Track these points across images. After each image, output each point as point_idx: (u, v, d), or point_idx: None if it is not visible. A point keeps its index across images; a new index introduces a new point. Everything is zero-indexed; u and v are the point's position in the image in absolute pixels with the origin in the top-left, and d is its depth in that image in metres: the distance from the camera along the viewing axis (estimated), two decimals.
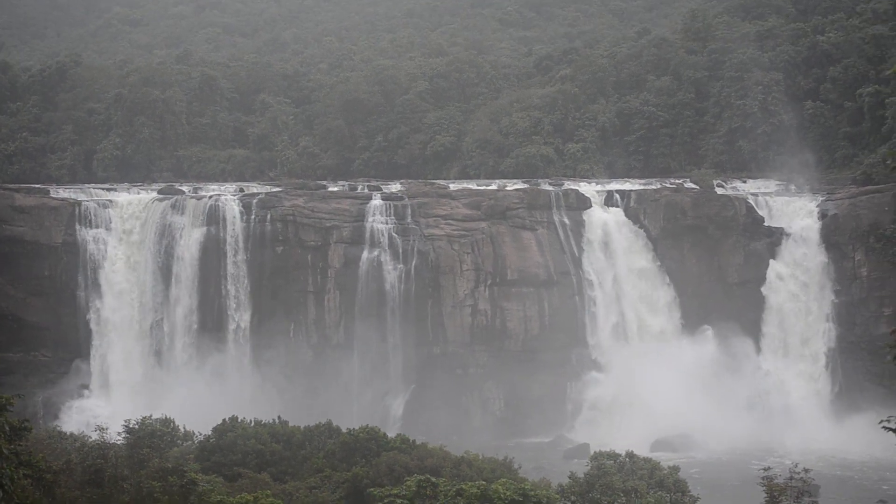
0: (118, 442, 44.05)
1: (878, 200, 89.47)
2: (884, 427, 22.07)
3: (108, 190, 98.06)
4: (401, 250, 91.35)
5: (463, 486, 37.19)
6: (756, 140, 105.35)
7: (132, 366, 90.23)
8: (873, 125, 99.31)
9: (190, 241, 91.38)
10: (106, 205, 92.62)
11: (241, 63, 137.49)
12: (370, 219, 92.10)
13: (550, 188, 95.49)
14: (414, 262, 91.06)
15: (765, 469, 39.32)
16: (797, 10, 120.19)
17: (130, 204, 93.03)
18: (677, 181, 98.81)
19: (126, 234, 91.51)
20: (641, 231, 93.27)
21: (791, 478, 37.78)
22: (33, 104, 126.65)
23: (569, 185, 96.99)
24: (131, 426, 48.85)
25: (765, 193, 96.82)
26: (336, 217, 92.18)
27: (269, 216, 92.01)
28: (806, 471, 38.31)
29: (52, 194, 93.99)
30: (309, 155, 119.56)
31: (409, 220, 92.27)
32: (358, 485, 46.05)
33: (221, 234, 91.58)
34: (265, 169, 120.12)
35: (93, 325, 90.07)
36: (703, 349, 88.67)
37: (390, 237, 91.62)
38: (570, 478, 47.89)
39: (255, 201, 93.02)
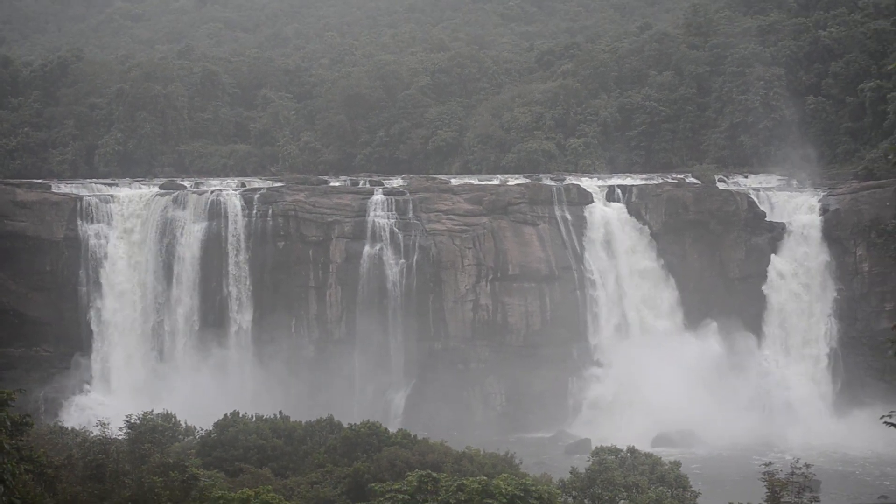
0: (119, 437, 44.04)
1: (880, 195, 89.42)
2: (885, 422, 22.07)
3: (110, 185, 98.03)
4: (402, 245, 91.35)
5: (464, 482, 37.16)
6: (758, 135, 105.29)
7: (134, 365, 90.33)
8: (875, 120, 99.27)
9: (191, 237, 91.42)
10: (107, 200, 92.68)
11: (242, 58, 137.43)
12: (372, 214, 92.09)
13: (552, 183, 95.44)
14: (415, 257, 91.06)
15: (766, 464, 39.33)
16: (799, 5, 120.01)
17: (131, 201, 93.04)
18: (679, 176, 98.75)
19: (127, 232, 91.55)
20: (645, 228, 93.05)
21: (792, 473, 37.76)
22: (35, 99, 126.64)
23: (570, 180, 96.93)
24: (132, 421, 48.86)
25: (766, 188, 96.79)
26: (337, 212, 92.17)
27: (270, 211, 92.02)
28: (807, 466, 38.28)
29: (54, 189, 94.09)
30: (310, 150, 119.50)
31: (410, 215, 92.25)
32: (359, 480, 46.10)
33: (223, 230, 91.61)
34: (267, 164, 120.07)
35: (94, 326, 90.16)
36: (705, 344, 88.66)
37: (392, 232, 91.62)
38: (571, 473, 47.87)
39: (256, 196, 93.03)
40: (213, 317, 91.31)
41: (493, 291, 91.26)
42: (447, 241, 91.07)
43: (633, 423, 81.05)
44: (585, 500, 45.47)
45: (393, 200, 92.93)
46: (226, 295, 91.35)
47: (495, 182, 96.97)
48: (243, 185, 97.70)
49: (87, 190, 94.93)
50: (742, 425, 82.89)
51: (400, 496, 36.65)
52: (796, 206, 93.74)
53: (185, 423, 57.19)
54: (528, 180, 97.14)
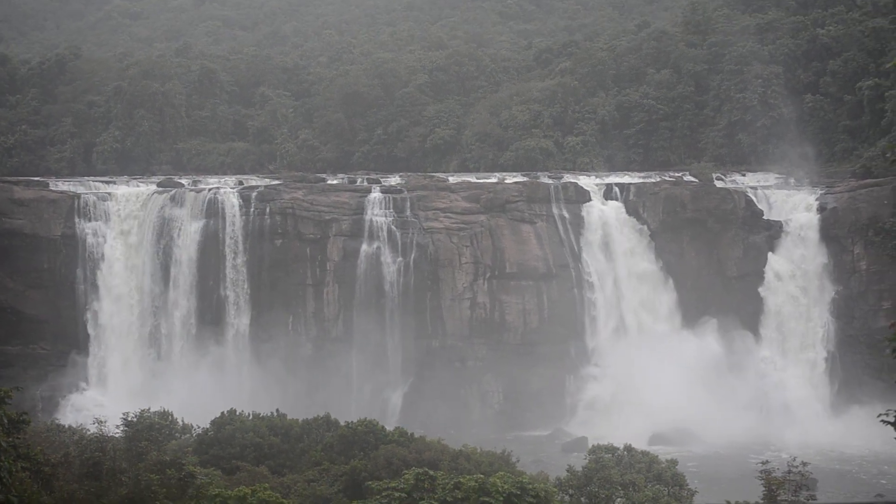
0: (116, 435, 44.06)
1: (878, 194, 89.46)
2: (882, 421, 22.04)
3: (108, 183, 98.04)
4: (400, 243, 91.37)
5: (461, 480, 37.16)
6: (755, 133, 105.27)
7: (131, 368, 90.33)
8: (873, 118, 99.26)
9: (189, 234, 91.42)
10: (105, 198, 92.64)
11: (240, 56, 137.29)
12: (369, 212, 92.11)
13: (549, 181, 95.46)
14: (413, 255, 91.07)
15: (763, 463, 39.38)
16: (797, 4, 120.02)
17: (129, 199, 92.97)
18: (677, 174, 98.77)
19: (124, 234, 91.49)
20: (644, 229, 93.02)
21: (789, 471, 37.82)
22: (32, 97, 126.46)
23: (568, 178, 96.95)
24: (129, 419, 48.91)
25: (764, 187, 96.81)
26: (335, 210, 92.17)
27: (268, 209, 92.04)
28: (804, 464, 38.36)
29: (52, 187, 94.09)
30: (308, 148, 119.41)
31: (408, 213, 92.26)
32: (356, 478, 46.07)
33: (220, 228, 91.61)
34: (265, 162, 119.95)
35: (90, 330, 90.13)
36: (704, 343, 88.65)
37: (389, 230, 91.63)
38: (568, 471, 47.90)
39: (254, 194, 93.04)
40: (210, 315, 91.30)
41: (491, 289, 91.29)
42: (445, 239, 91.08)
43: (631, 422, 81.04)
44: (582, 499, 45.49)
45: (391, 198, 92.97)
46: (223, 293, 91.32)
47: (493, 180, 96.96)
48: (241, 182, 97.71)
49: (85, 188, 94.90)
50: (739, 424, 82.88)
51: (397, 494, 36.65)
52: (794, 205, 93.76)
53: (182, 420, 57.18)
54: (525, 178, 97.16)
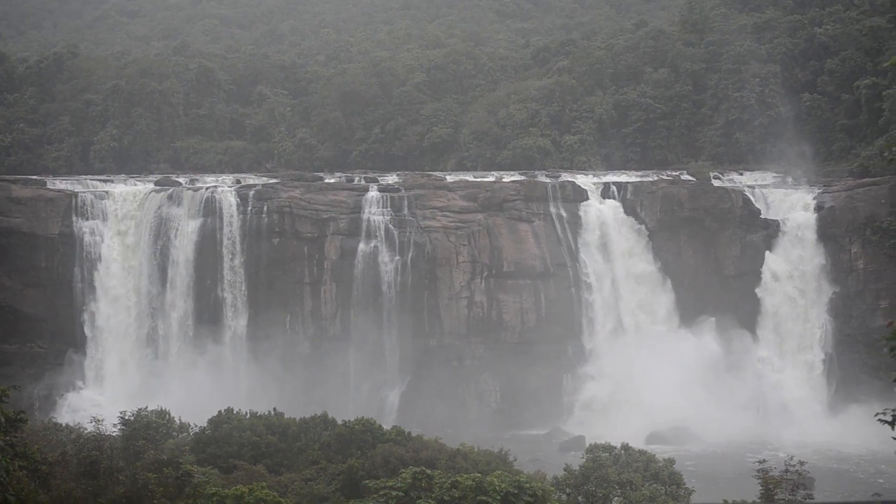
0: (113, 434, 44.00)
1: (875, 193, 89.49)
2: (879, 420, 21.99)
3: (105, 181, 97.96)
4: (397, 242, 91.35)
5: (458, 479, 37.10)
6: (753, 132, 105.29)
7: (128, 368, 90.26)
8: (870, 117, 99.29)
9: (186, 233, 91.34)
10: (102, 196, 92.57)
11: (238, 55, 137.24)
12: (367, 210, 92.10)
13: (547, 180, 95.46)
14: (410, 254, 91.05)
15: (760, 462, 39.42)
16: (794, 2, 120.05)
17: (126, 199, 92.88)
18: (674, 173, 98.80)
19: (121, 234, 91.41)
20: (642, 229, 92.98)
21: (786, 471, 37.83)
22: (30, 95, 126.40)
23: (565, 177, 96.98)
24: (127, 418, 48.86)
25: (762, 185, 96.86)
26: (333, 209, 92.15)
27: (265, 208, 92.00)
28: (801, 463, 38.36)
29: (49, 186, 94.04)
30: (306, 146, 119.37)
31: (405, 211, 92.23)
32: (353, 477, 46.01)
33: (218, 227, 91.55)
34: (262, 160, 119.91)
35: (88, 331, 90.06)
36: (701, 341, 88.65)
37: (387, 229, 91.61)
38: (565, 470, 47.82)
39: (251, 193, 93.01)
40: (207, 315, 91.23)
41: (488, 288, 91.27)
42: (442, 237, 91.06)
43: (628, 421, 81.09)
44: (579, 498, 45.45)
45: (388, 197, 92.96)
46: (221, 294, 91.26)
47: (490, 179, 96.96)
48: (238, 181, 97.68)
49: (83, 186, 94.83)
50: (737, 423, 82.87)
51: (394, 493, 36.61)
52: (791, 204, 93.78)
53: (180, 419, 57.08)
54: (523, 177, 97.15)
